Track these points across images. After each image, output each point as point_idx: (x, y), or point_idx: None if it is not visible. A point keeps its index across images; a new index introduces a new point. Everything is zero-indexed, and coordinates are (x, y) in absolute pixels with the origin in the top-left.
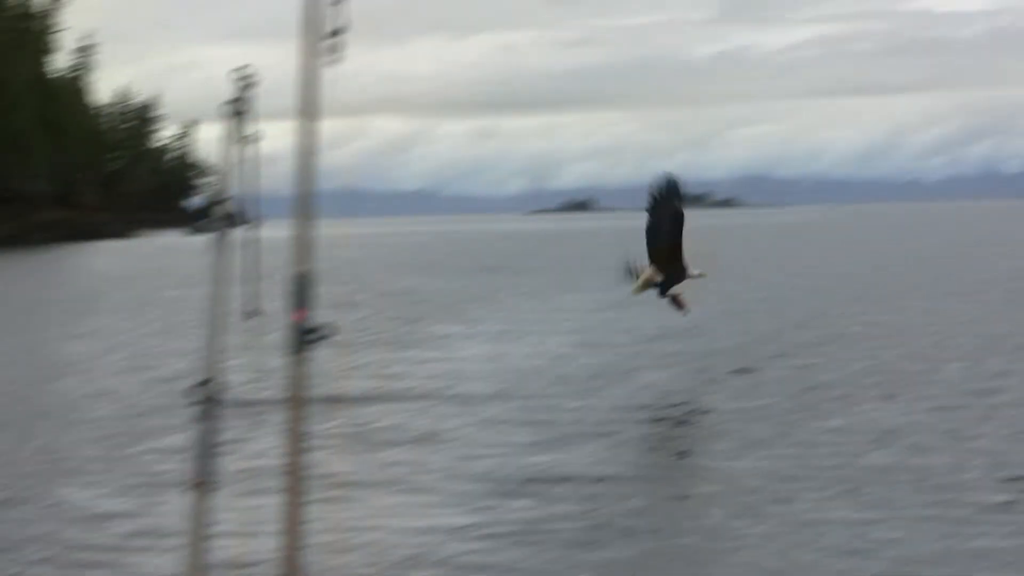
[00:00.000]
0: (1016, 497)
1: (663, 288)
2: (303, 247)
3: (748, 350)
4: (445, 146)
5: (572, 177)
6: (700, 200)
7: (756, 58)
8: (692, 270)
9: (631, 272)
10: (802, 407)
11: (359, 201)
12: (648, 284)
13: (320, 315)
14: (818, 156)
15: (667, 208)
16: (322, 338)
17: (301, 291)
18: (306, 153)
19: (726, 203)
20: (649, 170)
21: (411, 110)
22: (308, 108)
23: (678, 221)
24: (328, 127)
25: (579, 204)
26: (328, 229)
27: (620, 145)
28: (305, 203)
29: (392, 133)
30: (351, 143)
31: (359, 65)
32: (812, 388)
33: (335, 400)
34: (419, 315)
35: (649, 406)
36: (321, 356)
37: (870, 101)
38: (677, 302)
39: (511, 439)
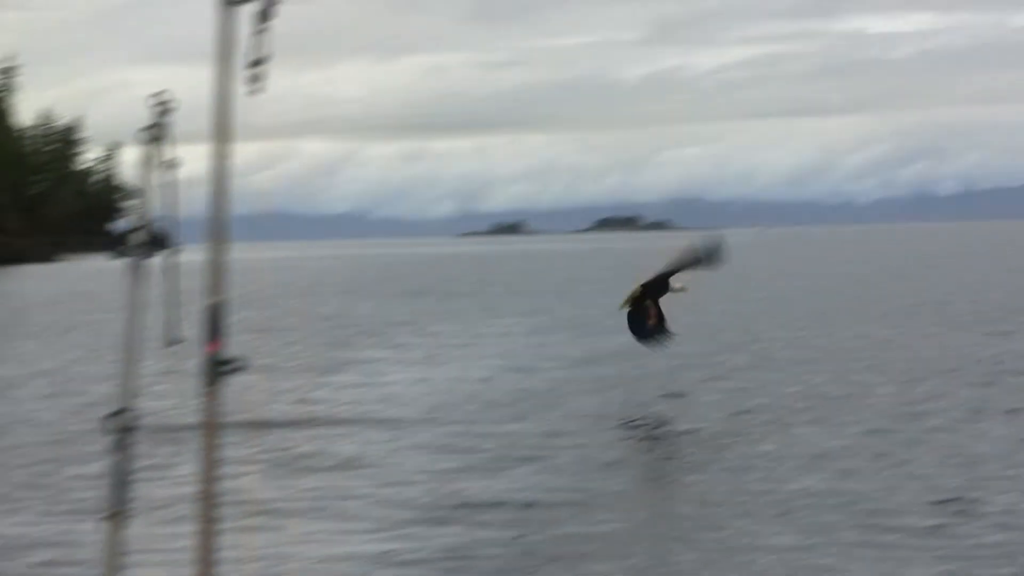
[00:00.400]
0: (946, 521)
1: (644, 301)
2: (216, 277)
3: (678, 374)
4: (373, 169)
5: (502, 199)
6: (631, 223)
7: (687, 79)
8: (675, 284)
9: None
10: (733, 431)
11: (286, 225)
12: (632, 299)
13: (240, 343)
14: (750, 178)
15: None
16: (236, 370)
17: (214, 322)
18: (219, 180)
19: (657, 226)
20: (580, 192)
21: (339, 132)
22: (222, 133)
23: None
24: (253, 150)
25: (509, 227)
26: (254, 253)
27: (550, 167)
28: (218, 232)
29: (319, 156)
30: (278, 166)
31: (285, 87)
32: (743, 412)
33: (260, 425)
34: (345, 340)
35: (578, 431)
36: (246, 381)
37: (802, 122)
38: (649, 313)
39: (438, 465)
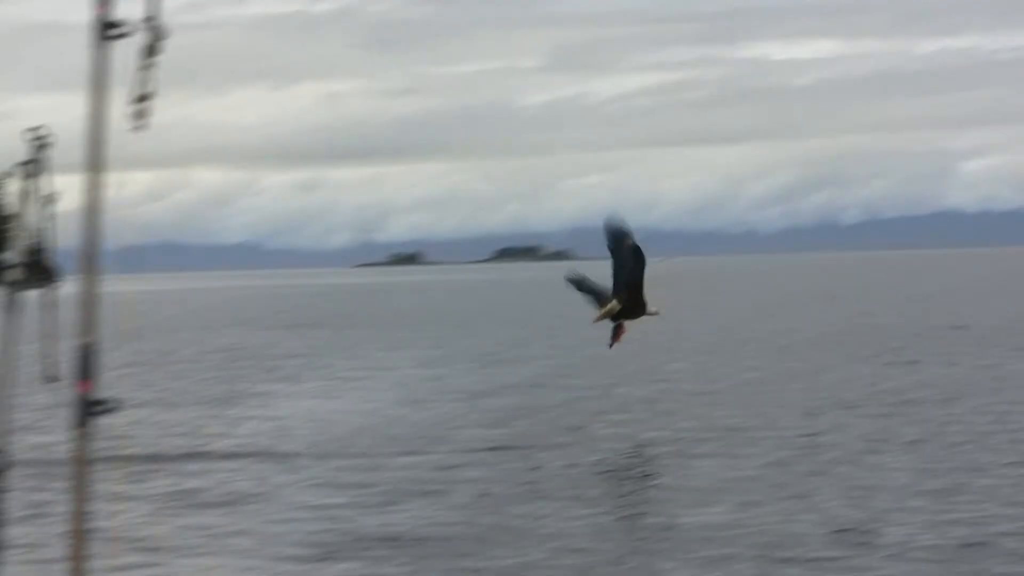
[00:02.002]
0: (844, 553)
1: (618, 319)
2: (88, 314)
3: (577, 406)
4: (268, 198)
5: (400, 229)
6: (532, 253)
7: (587, 107)
8: (651, 308)
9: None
10: (631, 464)
11: (179, 255)
12: (608, 315)
13: (131, 376)
14: (652, 207)
15: (625, 246)
16: (107, 411)
17: (85, 361)
18: (92, 214)
19: (558, 255)
20: (479, 222)
21: (233, 161)
22: (95, 166)
23: (640, 257)
24: (145, 180)
25: (407, 257)
26: (146, 285)
27: (449, 196)
28: (90, 267)
29: (214, 185)
30: (171, 196)
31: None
32: (643, 445)
33: (150, 460)
34: (238, 372)
35: (473, 465)
36: (138, 416)
37: (704, 151)
38: (617, 333)
39: (331, 499)
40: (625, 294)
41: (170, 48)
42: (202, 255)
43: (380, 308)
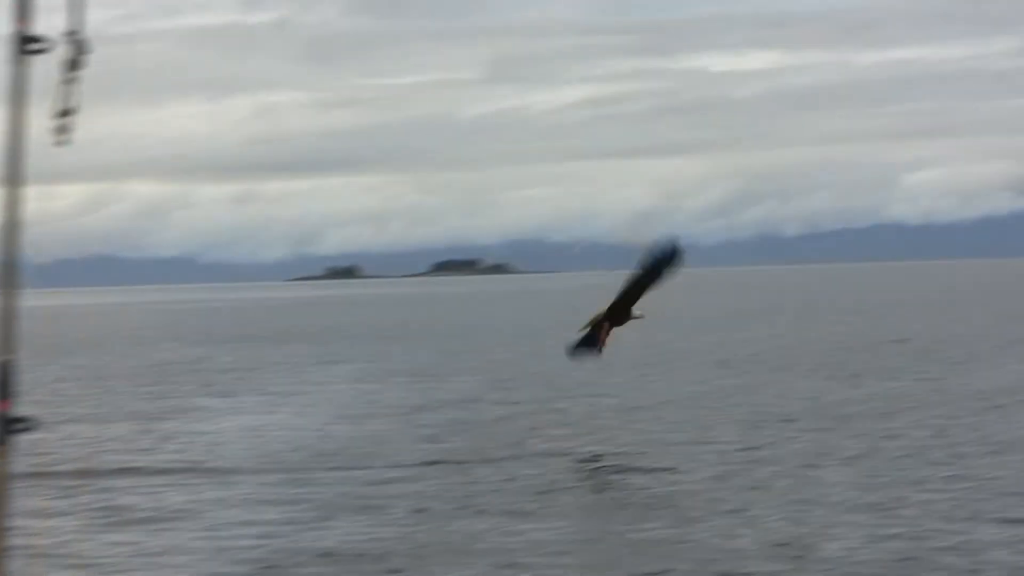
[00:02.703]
0: (782, 567)
1: (602, 326)
2: (7, 332)
3: (515, 421)
4: (203, 211)
5: (336, 243)
6: (471, 266)
7: (527, 119)
8: (635, 311)
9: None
10: (570, 479)
11: (113, 269)
12: (594, 323)
13: (64, 391)
14: (592, 220)
15: (655, 272)
16: (26, 429)
17: (4, 380)
18: (12, 229)
19: (497, 269)
20: (418, 235)
21: (168, 174)
22: (14, 180)
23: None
24: (78, 192)
25: (343, 271)
26: (80, 299)
27: (386, 209)
28: (10, 284)
29: (148, 198)
30: (104, 209)
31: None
32: (581, 459)
33: (83, 475)
34: (172, 387)
35: (412, 479)
36: (69, 431)
37: (645, 163)
38: (600, 339)
39: (266, 516)
40: (615, 301)
41: (103, 61)
42: (136, 269)
43: (315, 322)
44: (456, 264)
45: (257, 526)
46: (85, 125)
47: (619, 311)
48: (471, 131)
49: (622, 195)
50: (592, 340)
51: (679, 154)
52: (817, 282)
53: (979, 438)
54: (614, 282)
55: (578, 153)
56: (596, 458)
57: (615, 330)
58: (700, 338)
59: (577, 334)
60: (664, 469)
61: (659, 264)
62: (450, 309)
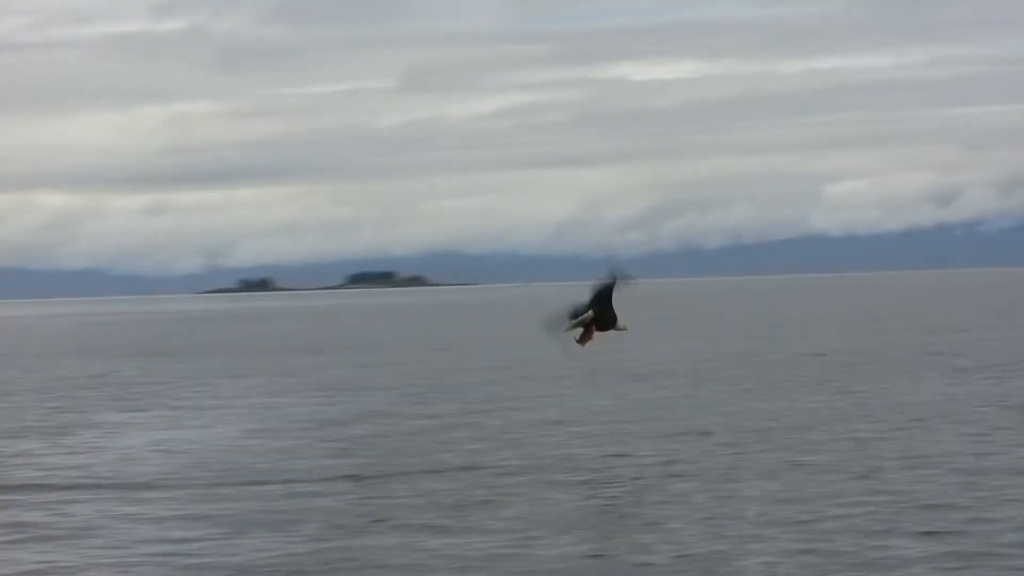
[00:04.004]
0: None
1: (589, 328)
2: None
3: (429, 435)
4: (114, 222)
5: (250, 254)
6: (387, 278)
7: (444, 129)
8: (620, 323)
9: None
10: (483, 494)
11: (21, 281)
12: (582, 324)
13: None
14: (510, 231)
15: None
16: None
17: None
18: None
19: (414, 281)
20: (332, 247)
21: (78, 185)
22: None
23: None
24: None
25: (257, 283)
26: None
27: (301, 221)
28: None
29: (57, 209)
30: (12, 220)
31: (20, 139)
32: (495, 474)
33: None
34: (80, 402)
35: (325, 494)
36: None
37: (564, 173)
38: (584, 339)
39: (179, 532)
40: (597, 306)
41: (11, 69)
42: (45, 281)
43: (227, 336)
44: (372, 276)
45: (167, 543)
46: None
47: (606, 318)
48: (387, 141)
49: (540, 206)
50: (578, 333)
51: (598, 164)
52: (738, 294)
53: (897, 452)
54: (533, 295)
55: (496, 163)
56: (510, 473)
57: (597, 335)
58: (618, 351)
59: (559, 324)
60: (580, 483)
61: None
62: (365, 322)
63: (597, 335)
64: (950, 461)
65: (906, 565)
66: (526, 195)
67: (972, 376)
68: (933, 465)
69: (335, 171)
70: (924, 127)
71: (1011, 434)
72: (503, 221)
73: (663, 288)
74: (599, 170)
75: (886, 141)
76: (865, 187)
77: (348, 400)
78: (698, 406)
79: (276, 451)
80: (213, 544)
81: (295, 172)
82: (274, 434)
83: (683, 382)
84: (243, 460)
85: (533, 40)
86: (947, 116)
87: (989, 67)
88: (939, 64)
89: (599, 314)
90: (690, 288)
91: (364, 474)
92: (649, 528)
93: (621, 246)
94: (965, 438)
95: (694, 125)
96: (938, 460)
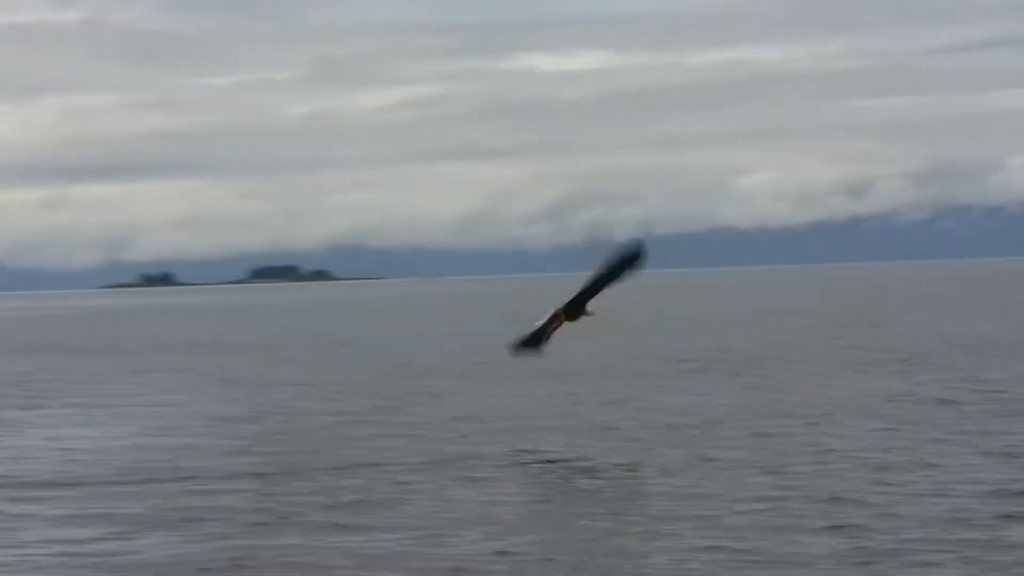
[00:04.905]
0: None
1: (557, 318)
2: None
3: (334, 431)
4: (9, 217)
5: (152, 249)
6: (290, 273)
7: (348, 121)
8: (589, 308)
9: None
10: (391, 492)
11: None
12: (554, 318)
13: None
14: (416, 225)
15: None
16: None
17: None
18: None
19: (319, 275)
20: (235, 241)
21: None
22: None
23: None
24: None
25: (159, 278)
26: None
27: (203, 214)
28: None
29: None
30: None
31: None
32: (404, 470)
33: None
34: None
35: (228, 492)
36: None
37: (472, 166)
38: (551, 329)
39: (78, 532)
40: (575, 296)
41: None
42: None
43: (128, 331)
44: (275, 271)
45: (63, 543)
46: None
47: (576, 305)
48: (290, 133)
49: (447, 199)
50: (539, 336)
51: (506, 157)
52: (647, 289)
53: (805, 447)
54: (438, 289)
55: (402, 156)
56: (419, 469)
57: (566, 324)
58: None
59: (528, 328)
60: (485, 480)
61: (623, 263)
62: (268, 317)
63: (564, 325)
64: (857, 456)
65: (813, 561)
66: (432, 188)
67: (882, 370)
68: (840, 460)
69: (238, 164)
70: (836, 118)
71: (919, 428)
72: (409, 215)
73: (571, 283)
74: (507, 163)
75: (797, 133)
76: (776, 179)
77: (250, 396)
78: (606, 402)
79: (177, 448)
80: (112, 544)
81: (197, 165)
82: (174, 431)
83: (591, 378)
84: (143, 457)
85: (440, 31)
86: (860, 108)
87: (902, 58)
88: (852, 55)
89: (569, 305)
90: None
91: (266, 471)
92: (555, 525)
93: (529, 240)
94: (873, 433)
95: (603, 117)
96: (845, 455)
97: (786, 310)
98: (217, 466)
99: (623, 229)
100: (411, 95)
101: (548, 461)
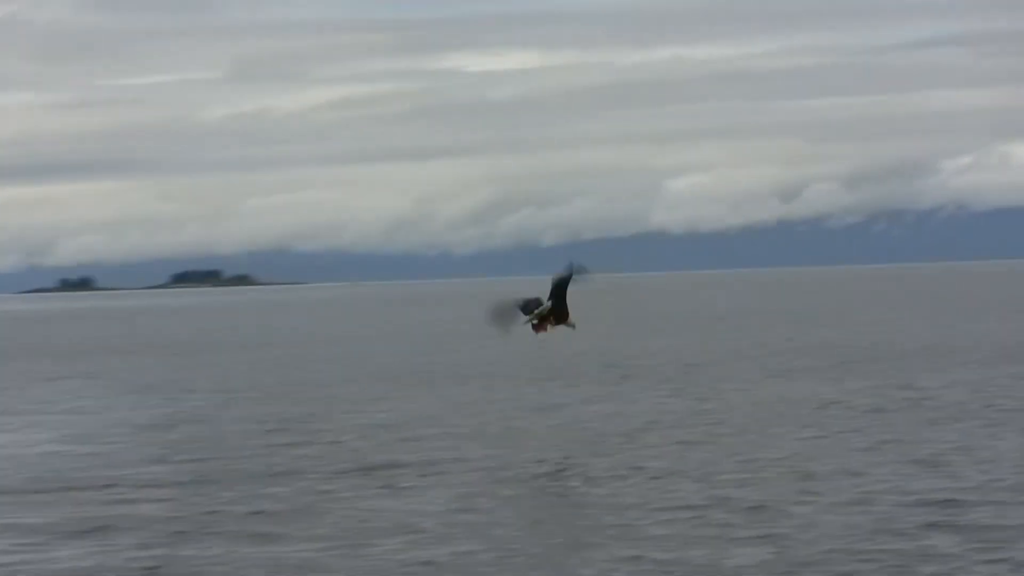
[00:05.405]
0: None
1: (543, 319)
2: None
3: (254, 439)
4: None
5: (70, 253)
6: (212, 277)
7: (272, 122)
8: (571, 319)
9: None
10: (311, 500)
11: None
12: (539, 316)
13: None
14: (341, 228)
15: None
16: None
17: None
18: None
19: (241, 280)
20: (156, 244)
21: None
22: None
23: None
24: None
25: (78, 282)
26: None
27: (123, 217)
28: None
29: None
30: None
31: None
32: (325, 478)
33: None
34: None
35: (145, 500)
36: None
37: (397, 168)
38: (539, 328)
39: None
40: (555, 301)
41: None
42: None
43: (45, 337)
44: (196, 275)
45: None
46: None
47: (561, 312)
48: (213, 134)
49: (373, 202)
50: (517, 315)
51: (433, 159)
52: (574, 294)
53: (731, 455)
54: (363, 293)
55: (326, 158)
56: (341, 477)
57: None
58: (443, 356)
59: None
60: (405, 488)
61: (571, 277)
62: (189, 322)
63: (551, 328)
64: (782, 464)
65: (738, 572)
66: (358, 191)
67: (809, 376)
68: (765, 468)
69: (159, 166)
70: (768, 120)
71: (845, 436)
72: (334, 218)
73: (498, 287)
74: (434, 165)
75: (729, 134)
76: (707, 182)
77: (169, 403)
78: (529, 408)
79: (92, 456)
80: (24, 555)
81: (117, 166)
82: (90, 439)
83: (514, 384)
84: (56, 466)
85: (366, 30)
86: (791, 109)
87: (834, 58)
88: (783, 55)
89: (556, 308)
90: (525, 287)
91: (184, 480)
92: (476, 533)
93: (455, 243)
94: (800, 442)
95: (532, 118)
96: (771, 463)
97: (714, 316)
98: (134, 474)
99: (550, 233)
100: (337, 96)
101: (471, 470)
